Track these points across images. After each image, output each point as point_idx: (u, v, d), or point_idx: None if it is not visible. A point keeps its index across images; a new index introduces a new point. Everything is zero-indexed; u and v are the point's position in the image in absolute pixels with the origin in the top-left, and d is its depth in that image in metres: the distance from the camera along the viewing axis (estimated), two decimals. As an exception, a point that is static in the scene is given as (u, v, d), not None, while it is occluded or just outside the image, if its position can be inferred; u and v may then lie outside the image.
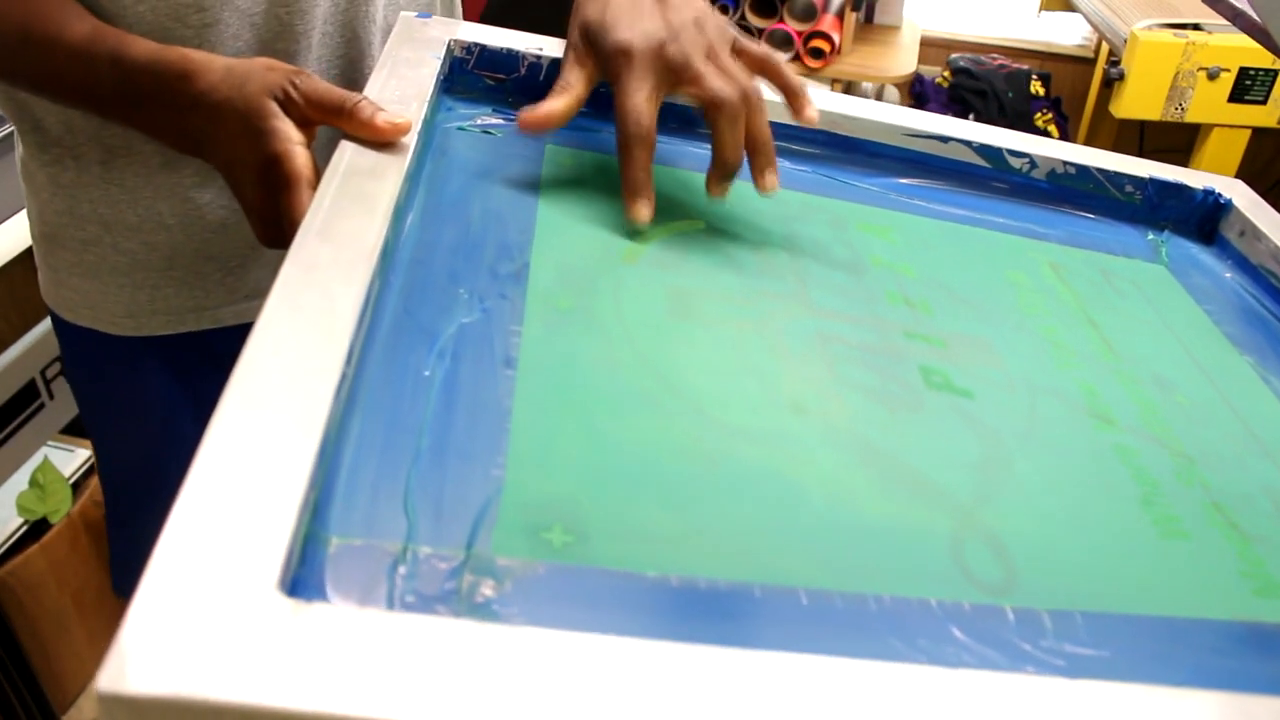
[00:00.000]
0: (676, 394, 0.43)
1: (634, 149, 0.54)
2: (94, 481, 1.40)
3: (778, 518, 0.38)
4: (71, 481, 1.37)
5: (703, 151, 0.64)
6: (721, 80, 0.54)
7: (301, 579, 0.30)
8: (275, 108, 0.51)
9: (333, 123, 0.50)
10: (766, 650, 0.29)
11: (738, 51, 0.58)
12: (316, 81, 0.52)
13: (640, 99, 0.54)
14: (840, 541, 0.38)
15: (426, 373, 0.40)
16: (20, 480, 1.29)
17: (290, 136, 0.50)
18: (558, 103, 0.55)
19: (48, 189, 0.72)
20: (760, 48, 0.59)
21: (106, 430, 0.84)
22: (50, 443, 1.36)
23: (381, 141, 0.49)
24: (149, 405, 0.78)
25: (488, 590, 0.32)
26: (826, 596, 0.35)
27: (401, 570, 0.31)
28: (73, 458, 1.42)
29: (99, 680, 0.24)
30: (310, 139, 0.52)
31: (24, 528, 1.31)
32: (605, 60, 0.55)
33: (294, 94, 0.51)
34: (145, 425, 0.80)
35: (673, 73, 0.55)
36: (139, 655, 0.24)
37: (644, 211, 0.53)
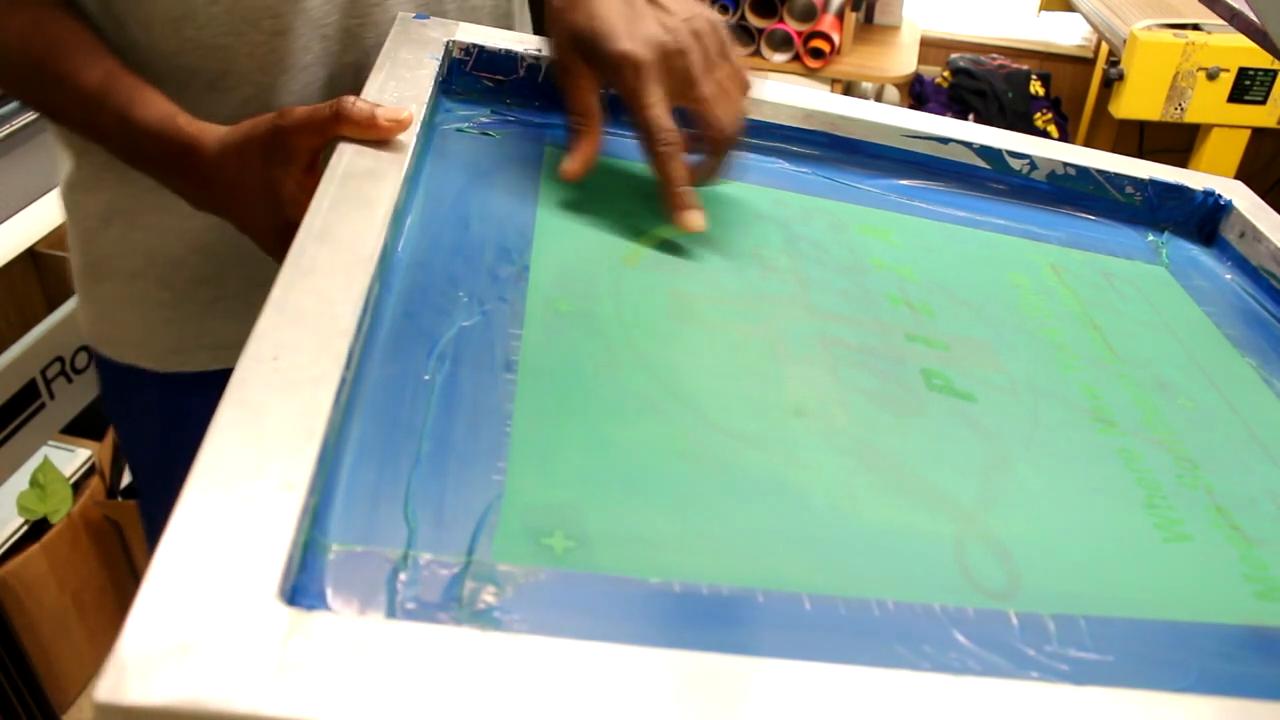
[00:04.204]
0: (678, 398, 0.43)
1: (672, 162, 0.53)
2: (94, 481, 1.40)
3: (780, 522, 0.38)
4: (72, 481, 1.37)
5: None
6: (724, 110, 0.54)
7: (301, 586, 0.30)
8: (279, 174, 0.51)
9: (333, 133, 0.50)
10: (770, 658, 0.29)
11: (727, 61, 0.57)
12: (294, 112, 0.51)
13: (662, 110, 0.53)
14: (843, 546, 0.38)
15: (426, 377, 0.40)
16: (20, 480, 1.29)
17: (301, 203, 0.49)
18: (588, 142, 0.55)
19: (97, 217, 0.71)
20: (744, 72, 0.58)
21: (148, 465, 0.83)
22: (50, 443, 1.35)
23: (383, 139, 0.49)
24: (195, 442, 0.78)
25: (489, 597, 0.31)
26: (830, 602, 0.35)
27: (402, 577, 0.31)
28: (73, 458, 1.42)
29: (97, 690, 0.24)
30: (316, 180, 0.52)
31: (24, 528, 1.31)
32: (607, 70, 0.54)
33: (284, 138, 0.51)
34: (189, 461, 0.79)
35: (680, 84, 0.54)
36: (137, 665, 0.24)
37: (699, 220, 0.54)
